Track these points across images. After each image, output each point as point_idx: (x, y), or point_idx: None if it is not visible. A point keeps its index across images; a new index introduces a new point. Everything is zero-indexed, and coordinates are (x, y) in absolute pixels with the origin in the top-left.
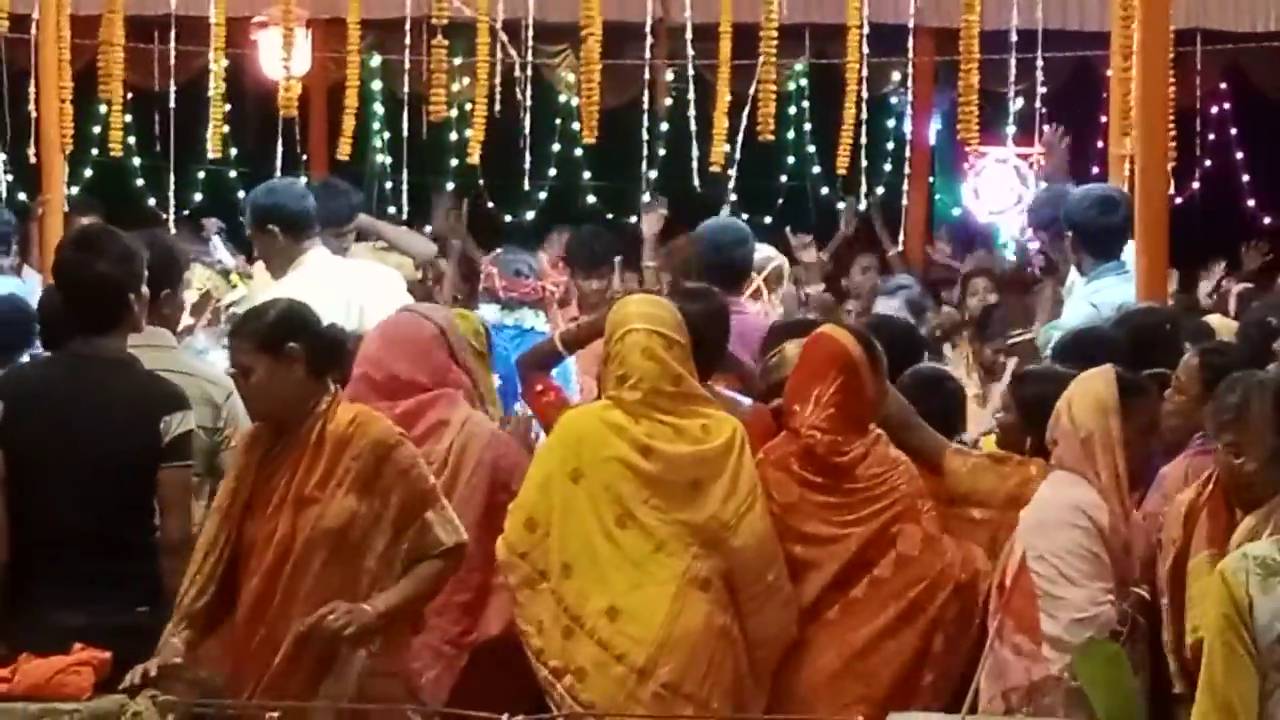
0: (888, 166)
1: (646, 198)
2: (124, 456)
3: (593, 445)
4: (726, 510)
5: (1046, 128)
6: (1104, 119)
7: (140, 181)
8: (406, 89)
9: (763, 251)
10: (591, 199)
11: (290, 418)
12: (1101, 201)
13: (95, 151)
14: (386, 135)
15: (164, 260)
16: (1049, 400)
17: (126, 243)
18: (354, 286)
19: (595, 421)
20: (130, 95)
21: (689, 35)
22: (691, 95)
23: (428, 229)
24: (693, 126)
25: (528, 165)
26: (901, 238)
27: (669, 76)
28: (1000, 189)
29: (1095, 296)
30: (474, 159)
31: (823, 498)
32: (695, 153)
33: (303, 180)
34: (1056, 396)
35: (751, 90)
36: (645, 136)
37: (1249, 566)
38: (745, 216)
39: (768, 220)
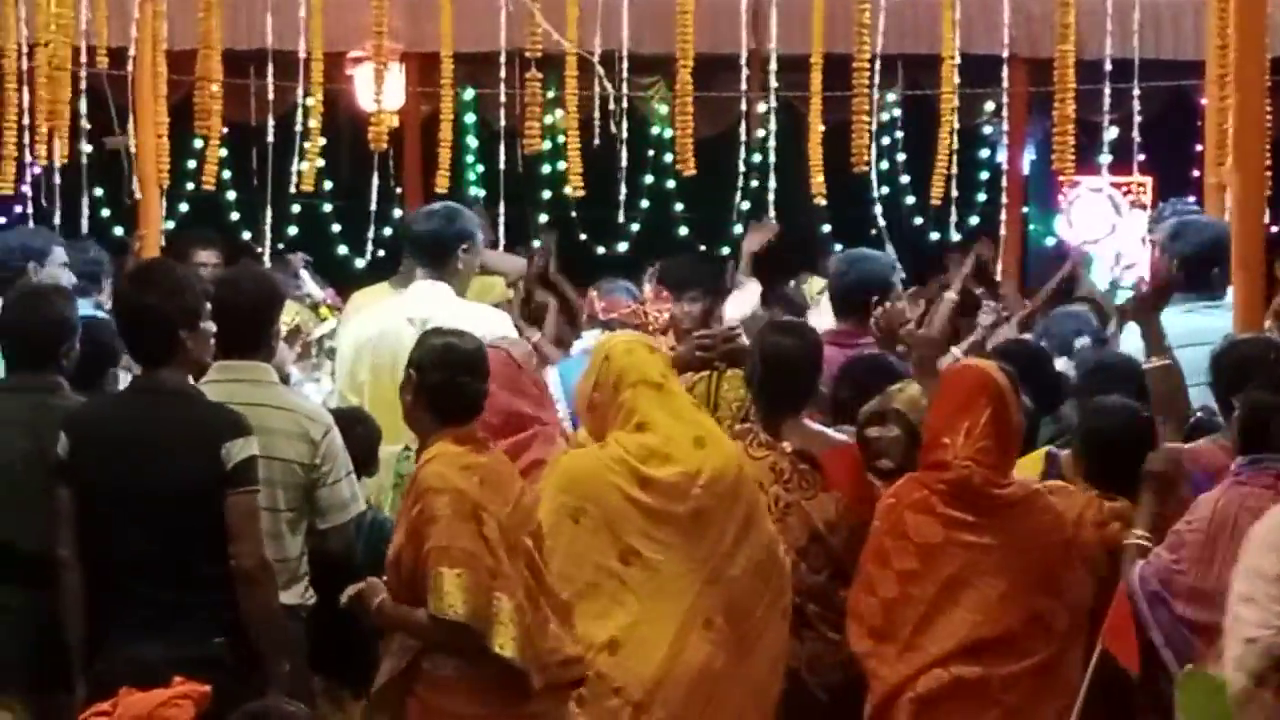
0: (981, 196)
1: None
2: (187, 486)
3: (592, 483)
4: (726, 538)
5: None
6: (1200, 148)
7: (235, 216)
8: (503, 122)
9: None
10: (684, 230)
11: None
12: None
13: (191, 186)
14: (480, 168)
15: (267, 294)
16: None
17: (180, 277)
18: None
19: (592, 458)
20: (226, 130)
21: (773, 66)
22: (774, 125)
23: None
24: (772, 157)
25: (622, 197)
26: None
27: (762, 107)
28: (1095, 218)
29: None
30: (577, 190)
31: (972, 537)
32: (773, 184)
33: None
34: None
35: (844, 121)
36: (743, 169)
37: None
38: (838, 247)
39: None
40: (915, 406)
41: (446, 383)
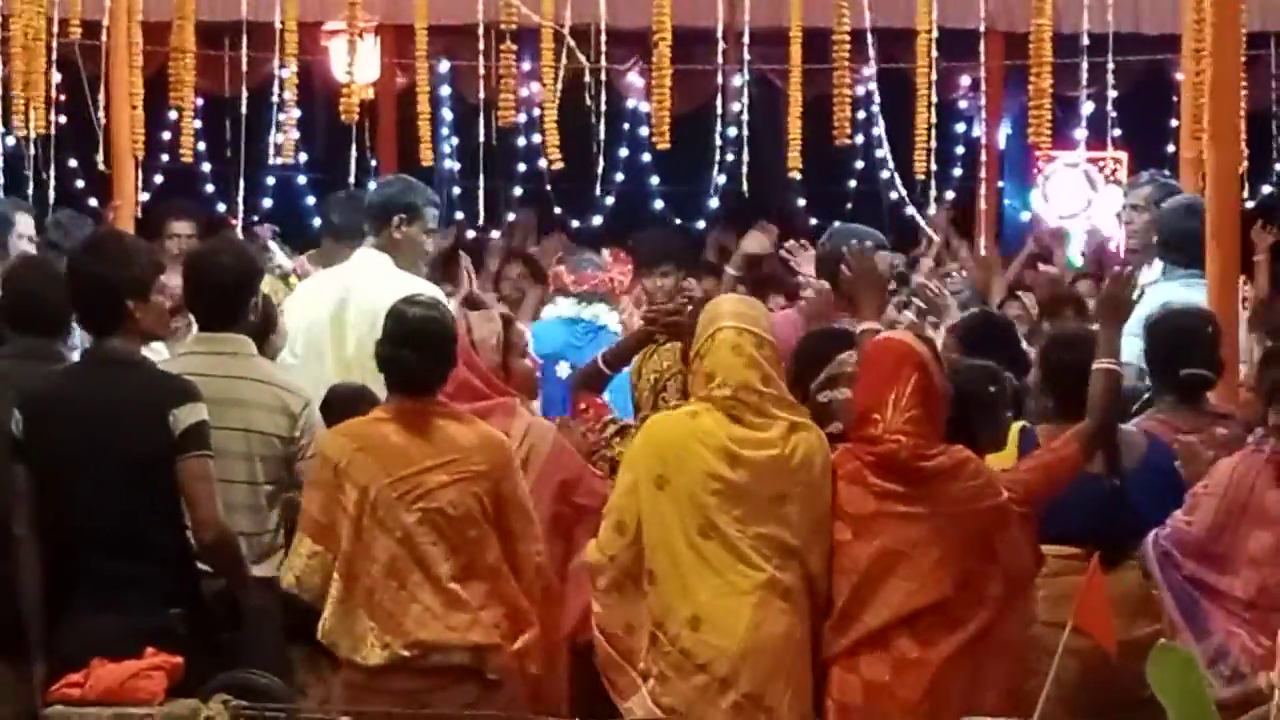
0: (957, 171)
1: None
2: (138, 455)
3: (678, 453)
4: (805, 527)
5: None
6: (1176, 123)
7: (210, 188)
8: (481, 95)
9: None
10: (659, 204)
11: None
12: (1186, 208)
13: (166, 157)
14: (455, 141)
15: (245, 267)
16: None
17: (129, 247)
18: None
19: (683, 428)
20: (201, 101)
21: (745, 39)
22: (746, 99)
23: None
24: (746, 131)
25: (600, 170)
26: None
27: (738, 82)
28: (1070, 193)
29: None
30: (555, 164)
31: (904, 508)
32: (746, 158)
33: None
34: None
35: (820, 95)
36: (719, 142)
37: None
38: (814, 222)
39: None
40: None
41: (389, 355)
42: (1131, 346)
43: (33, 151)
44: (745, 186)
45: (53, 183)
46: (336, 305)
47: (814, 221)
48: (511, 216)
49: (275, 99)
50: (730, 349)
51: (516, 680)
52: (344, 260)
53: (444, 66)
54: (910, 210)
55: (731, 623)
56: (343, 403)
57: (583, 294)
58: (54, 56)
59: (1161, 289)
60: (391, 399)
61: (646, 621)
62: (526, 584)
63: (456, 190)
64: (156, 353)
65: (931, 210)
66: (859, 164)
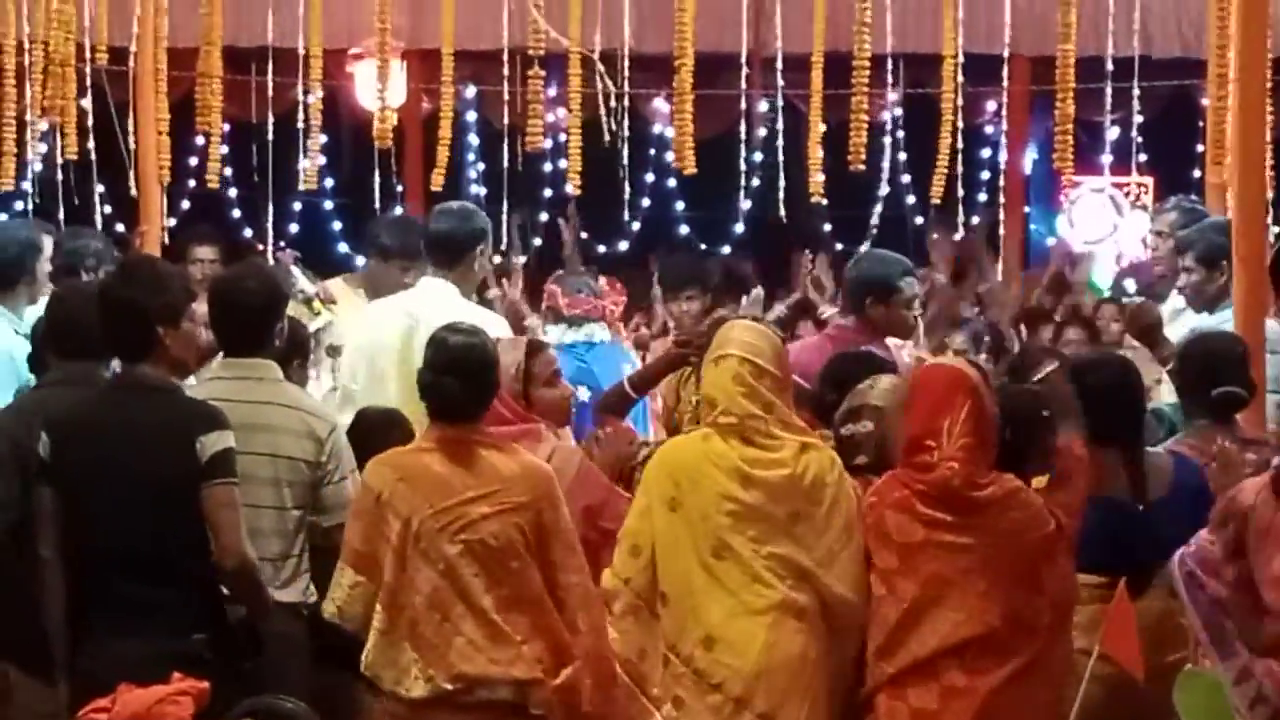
0: (983, 196)
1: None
2: (165, 481)
3: (691, 475)
4: (819, 548)
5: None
6: (1201, 148)
7: (236, 213)
8: (505, 120)
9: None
10: (684, 229)
11: None
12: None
13: (192, 183)
14: (481, 167)
15: (272, 292)
16: None
17: (162, 274)
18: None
19: (695, 451)
20: (227, 127)
21: (779, 65)
22: (780, 125)
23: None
24: (779, 156)
25: (626, 196)
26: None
27: (763, 106)
28: (1095, 218)
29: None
30: (576, 190)
31: (952, 537)
32: (783, 182)
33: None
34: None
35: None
36: (743, 167)
37: None
38: (839, 247)
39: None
40: (889, 399)
41: (431, 383)
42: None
43: (60, 178)
44: (770, 212)
45: (77, 208)
46: (405, 333)
47: (839, 246)
48: (538, 242)
49: (300, 125)
50: (731, 378)
51: (560, 715)
52: (394, 282)
53: (470, 91)
54: (935, 236)
55: (746, 643)
56: (371, 426)
57: (574, 317)
58: (86, 82)
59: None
60: (434, 427)
61: (660, 646)
62: (569, 616)
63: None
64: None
65: (958, 235)
66: (884, 189)
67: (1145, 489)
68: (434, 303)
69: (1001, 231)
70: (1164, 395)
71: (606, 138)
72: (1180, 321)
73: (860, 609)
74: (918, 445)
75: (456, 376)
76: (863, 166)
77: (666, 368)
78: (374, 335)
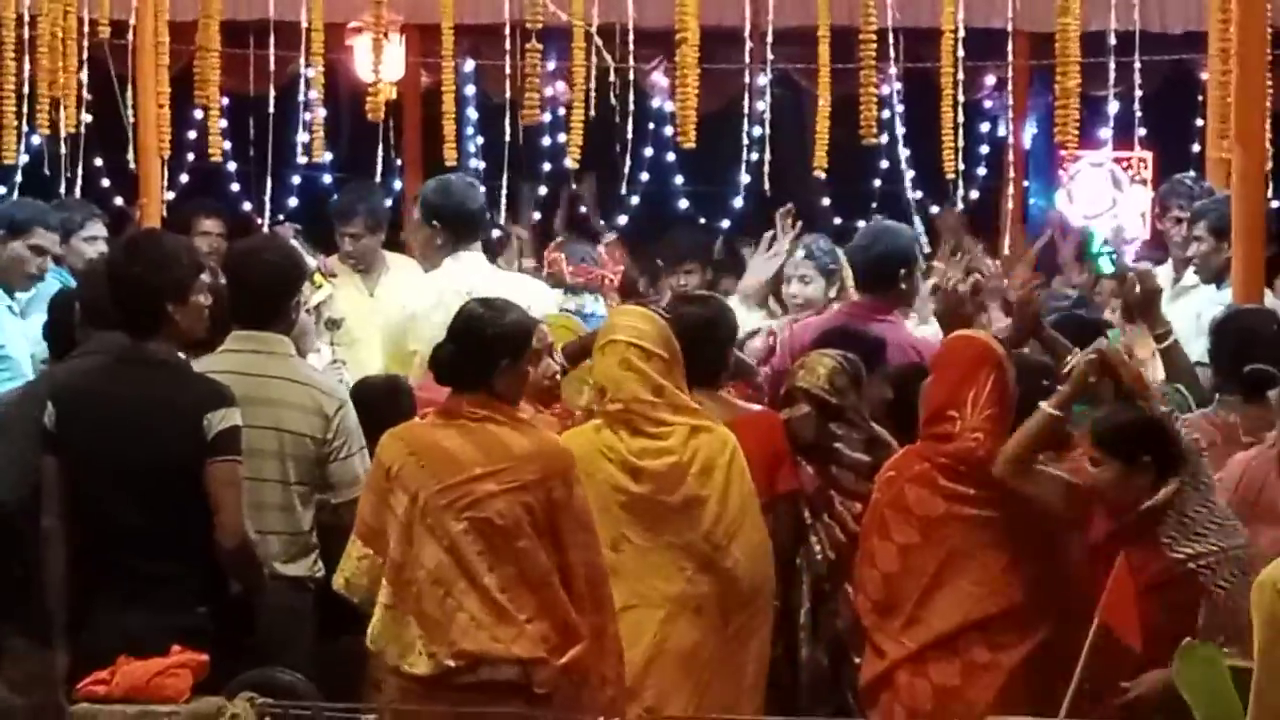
0: (982, 171)
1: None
2: (170, 457)
3: (586, 468)
4: (718, 530)
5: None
6: (1201, 123)
7: (236, 186)
8: (507, 94)
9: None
10: (684, 204)
11: None
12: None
13: (191, 156)
14: (480, 140)
15: (290, 266)
16: None
17: (169, 249)
18: (493, 289)
19: (588, 443)
20: (226, 100)
21: (769, 39)
22: (768, 99)
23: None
24: (771, 131)
25: (626, 170)
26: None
27: (763, 81)
28: (1095, 193)
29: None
30: (573, 162)
31: (974, 510)
32: (768, 158)
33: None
34: None
35: (844, 94)
36: (745, 141)
37: None
38: (838, 221)
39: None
40: (816, 379)
41: (436, 348)
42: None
43: (63, 150)
44: (769, 185)
45: (80, 182)
46: None
47: (838, 221)
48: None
49: (300, 98)
50: (618, 362)
51: (567, 694)
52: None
53: (469, 65)
54: (934, 209)
55: (636, 635)
56: (374, 394)
57: (575, 285)
58: (83, 55)
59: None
60: (449, 399)
61: None
62: (577, 595)
63: (481, 189)
64: None
65: (935, 210)
66: (883, 163)
67: None
68: (482, 275)
69: (1009, 206)
70: (1157, 373)
71: (593, 112)
72: (1188, 297)
73: (768, 583)
74: (940, 416)
75: (454, 341)
76: (874, 140)
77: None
78: (428, 305)
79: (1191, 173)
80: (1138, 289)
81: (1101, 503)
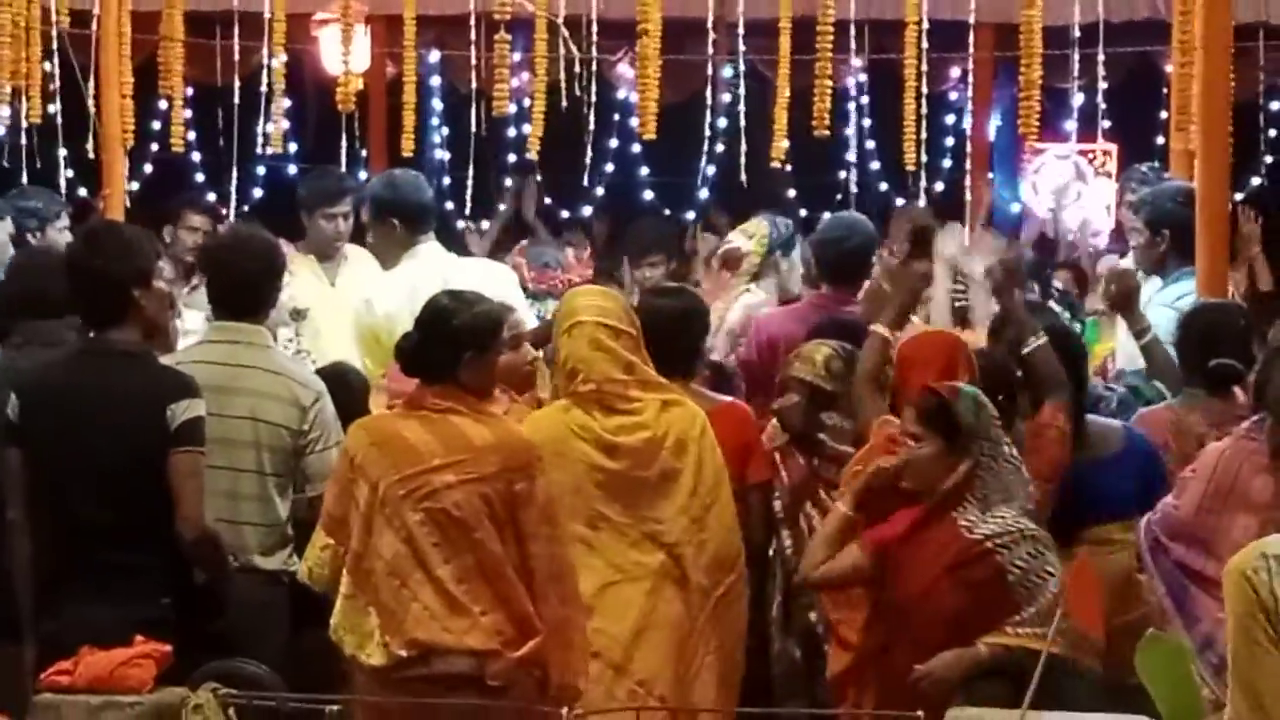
0: (947, 162)
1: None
2: (134, 447)
3: (556, 448)
4: (694, 504)
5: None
6: (1166, 115)
7: (200, 177)
8: (474, 85)
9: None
10: (648, 194)
11: None
12: (1191, 198)
13: (155, 147)
14: (446, 131)
15: (270, 258)
16: None
17: (129, 238)
18: (463, 278)
19: (557, 423)
20: (190, 91)
21: (740, 30)
22: (742, 91)
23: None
24: (742, 123)
25: (588, 160)
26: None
27: (727, 73)
28: (1059, 185)
29: (1181, 302)
30: (533, 153)
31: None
32: (744, 148)
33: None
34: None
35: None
36: (709, 133)
37: (1270, 566)
38: (803, 213)
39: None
40: (813, 366)
41: (415, 343)
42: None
43: (24, 141)
44: (736, 177)
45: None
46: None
47: (804, 212)
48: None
49: (264, 88)
50: (588, 343)
51: (525, 687)
52: (399, 249)
53: (435, 56)
54: (900, 201)
55: (623, 609)
56: (328, 383)
57: (538, 292)
58: (51, 45)
59: (1176, 290)
60: (415, 390)
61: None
62: (539, 587)
63: (446, 180)
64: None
65: (921, 202)
66: (849, 155)
67: (1087, 448)
68: (456, 264)
69: (968, 198)
70: (1120, 362)
71: (564, 103)
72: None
73: (742, 554)
74: None
75: (420, 329)
76: (828, 133)
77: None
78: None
79: (1153, 163)
80: (1113, 288)
81: (913, 482)
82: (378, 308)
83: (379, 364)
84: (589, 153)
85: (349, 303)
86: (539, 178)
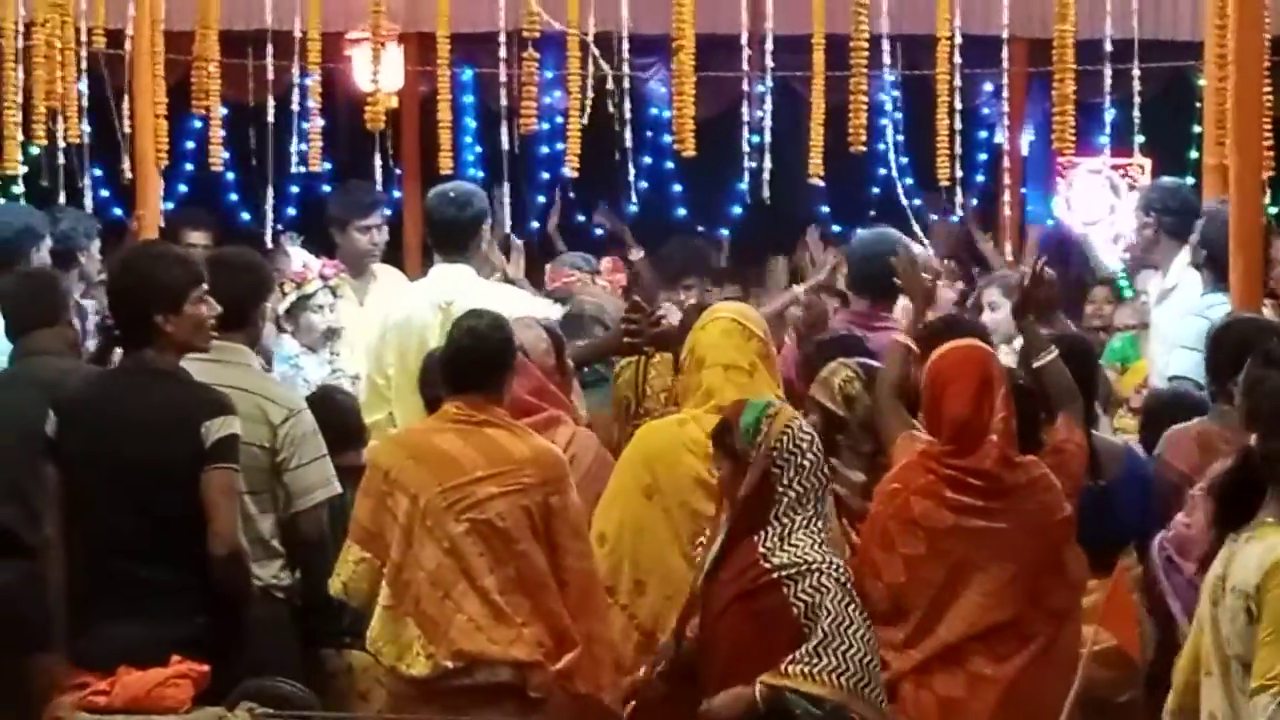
0: (980, 178)
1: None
2: (169, 466)
3: (668, 462)
4: None
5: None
6: (1199, 129)
7: (234, 196)
8: (503, 102)
9: None
10: (682, 211)
11: None
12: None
13: (190, 166)
14: (479, 149)
15: (255, 276)
16: None
17: (157, 261)
18: (477, 299)
19: (669, 436)
20: (224, 110)
21: (769, 46)
22: (769, 106)
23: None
24: (769, 138)
25: (626, 177)
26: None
27: (761, 88)
28: (1093, 199)
29: (1211, 311)
30: (572, 170)
31: (982, 522)
32: (768, 164)
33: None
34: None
35: (843, 101)
36: (746, 148)
37: None
38: (836, 229)
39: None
40: (831, 391)
41: (446, 353)
42: (1184, 360)
43: (61, 161)
44: (768, 193)
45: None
46: (442, 321)
47: (836, 229)
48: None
49: (296, 107)
50: (721, 332)
51: (560, 700)
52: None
53: (467, 74)
54: (934, 217)
55: None
56: (319, 400)
57: (556, 291)
58: (82, 65)
59: (1209, 300)
60: (447, 404)
61: (629, 634)
62: (573, 600)
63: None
64: None
65: (955, 218)
66: (881, 170)
67: (1100, 466)
68: (460, 287)
69: (1007, 213)
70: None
71: (586, 120)
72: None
73: None
74: (965, 428)
75: (472, 344)
76: (863, 148)
77: (608, 351)
78: (399, 320)
79: (1188, 180)
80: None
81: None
82: (383, 322)
83: (380, 377)
84: (629, 170)
85: (377, 322)
86: (571, 194)
